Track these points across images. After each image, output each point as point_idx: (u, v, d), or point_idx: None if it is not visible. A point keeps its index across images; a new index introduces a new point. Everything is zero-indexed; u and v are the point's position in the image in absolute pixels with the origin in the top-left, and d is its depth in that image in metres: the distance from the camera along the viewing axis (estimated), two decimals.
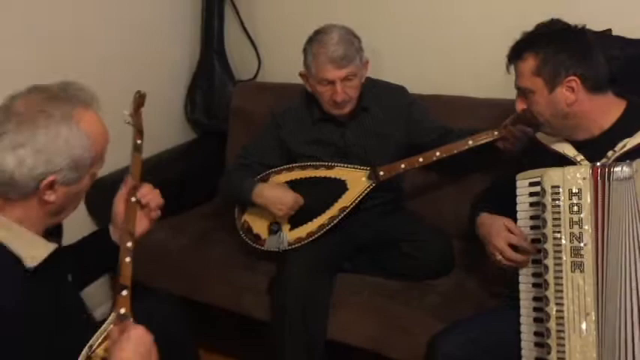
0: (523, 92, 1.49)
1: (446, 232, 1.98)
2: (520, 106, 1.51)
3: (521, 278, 1.48)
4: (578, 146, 1.48)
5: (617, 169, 1.32)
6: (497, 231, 1.51)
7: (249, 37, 2.64)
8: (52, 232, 1.24)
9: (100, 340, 1.22)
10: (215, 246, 2.13)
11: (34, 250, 1.14)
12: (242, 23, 2.64)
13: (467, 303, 1.73)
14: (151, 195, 1.43)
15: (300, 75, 1.96)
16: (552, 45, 1.44)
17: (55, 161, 1.12)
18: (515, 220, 1.51)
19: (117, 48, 2.34)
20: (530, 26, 1.82)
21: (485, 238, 1.55)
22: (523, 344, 1.46)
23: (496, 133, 1.83)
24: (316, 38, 1.88)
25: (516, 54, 1.48)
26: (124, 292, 1.28)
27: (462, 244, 1.97)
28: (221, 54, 2.65)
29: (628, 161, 1.34)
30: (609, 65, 1.61)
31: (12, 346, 1.05)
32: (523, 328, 1.46)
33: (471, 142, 1.86)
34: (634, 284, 1.28)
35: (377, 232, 1.97)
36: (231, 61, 2.68)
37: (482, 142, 1.85)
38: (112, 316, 1.26)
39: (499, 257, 1.50)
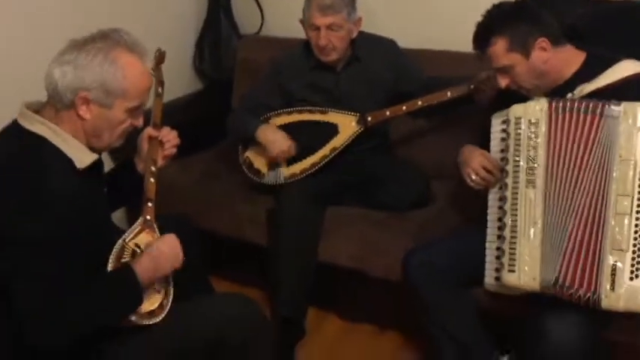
0: (503, 70, 1.68)
1: (425, 173, 2.23)
2: (504, 82, 1.69)
3: (490, 200, 1.72)
4: (546, 94, 1.68)
5: (613, 106, 1.48)
6: (474, 156, 1.74)
7: None
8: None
9: (132, 235, 1.49)
10: (220, 182, 2.38)
11: (82, 156, 1.38)
12: None
13: (439, 230, 1.98)
14: (170, 135, 1.67)
15: (300, 22, 2.17)
16: (511, 22, 1.63)
17: (87, 79, 1.34)
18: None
19: (130, 3, 2.55)
20: None
21: (463, 161, 1.77)
22: (487, 257, 1.70)
23: (472, 86, 2.03)
24: None
25: (484, 43, 1.67)
26: (150, 204, 1.56)
27: (438, 183, 2.22)
28: (227, 9, 2.84)
29: (617, 101, 1.50)
30: (571, 20, 1.85)
31: (69, 224, 1.29)
32: (488, 244, 1.70)
33: (449, 94, 2.08)
34: (582, 201, 1.52)
35: (365, 171, 2.21)
36: (237, 16, 2.87)
37: (459, 93, 2.06)
38: (140, 219, 1.53)
39: (474, 176, 1.72)
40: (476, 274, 1.73)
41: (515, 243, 1.60)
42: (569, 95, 1.63)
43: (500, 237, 1.65)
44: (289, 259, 2.06)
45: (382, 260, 1.98)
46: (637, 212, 1.45)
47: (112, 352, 1.40)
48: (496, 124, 1.71)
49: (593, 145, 1.51)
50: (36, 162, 1.32)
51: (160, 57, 1.81)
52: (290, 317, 2.09)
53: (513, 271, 1.59)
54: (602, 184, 1.49)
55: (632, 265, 1.44)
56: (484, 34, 1.67)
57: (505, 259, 1.61)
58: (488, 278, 1.71)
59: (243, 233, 2.25)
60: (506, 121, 1.66)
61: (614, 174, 1.47)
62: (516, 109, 1.63)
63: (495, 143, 1.72)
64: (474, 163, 1.73)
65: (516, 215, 1.60)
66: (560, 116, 1.56)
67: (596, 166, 1.50)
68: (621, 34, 2.07)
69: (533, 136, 1.59)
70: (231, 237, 2.29)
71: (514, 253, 1.59)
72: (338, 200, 2.19)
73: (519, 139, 1.61)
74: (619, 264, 1.45)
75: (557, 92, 1.66)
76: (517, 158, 1.62)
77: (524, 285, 1.58)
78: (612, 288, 1.45)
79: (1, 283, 1.29)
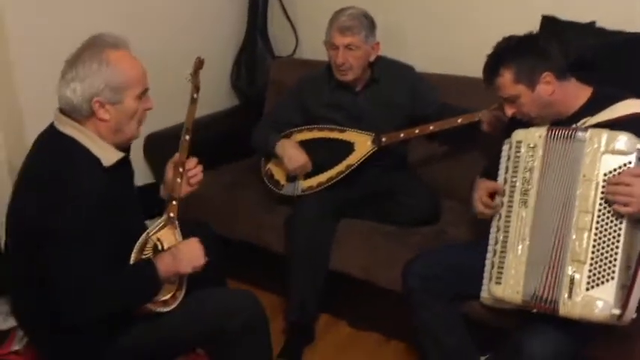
0: (509, 100, 1.77)
1: (436, 191, 2.34)
2: (510, 111, 1.79)
3: (492, 219, 1.81)
4: (551, 124, 1.77)
5: (579, 133, 1.62)
6: (479, 187, 1.86)
7: (289, 19, 3.03)
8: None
9: (155, 230, 1.66)
10: (244, 192, 2.54)
11: (108, 154, 1.55)
12: (283, 6, 3.04)
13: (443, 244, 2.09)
14: (195, 170, 1.82)
15: (324, 43, 2.32)
16: (519, 55, 1.72)
17: (94, 85, 1.49)
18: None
19: (177, 25, 2.79)
20: (532, 14, 2.18)
21: (472, 192, 1.88)
22: (485, 272, 1.79)
23: (480, 115, 2.14)
24: (336, 12, 2.27)
25: (492, 73, 1.76)
26: (174, 202, 1.74)
27: (448, 202, 2.33)
28: (263, 33, 3.05)
29: (585, 127, 1.64)
30: (584, 52, 1.96)
31: (97, 218, 1.46)
32: (487, 260, 1.79)
33: (459, 121, 2.19)
34: (558, 220, 1.62)
35: (378, 186, 2.34)
36: (273, 40, 3.08)
37: (470, 120, 2.17)
38: (164, 216, 1.71)
39: (480, 206, 1.82)
40: (472, 288, 1.82)
41: (504, 257, 1.70)
42: (573, 126, 1.71)
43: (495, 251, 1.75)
44: (300, 267, 2.20)
45: (388, 272, 2.08)
46: (596, 228, 1.55)
47: (126, 332, 1.57)
48: (505, 150, 1.82)
49: (565, 165, 1.63)
50: (67, 161, 1.50)
51: (199, 64, 1.95)
52: (298, 322, 2.22)
53: (499, 283, 1.69)
54: (569, 201, 1.60)
55: (589, 277, 1.54)
56: (492, 65, 1.77)
57: (494, 271, 1.72)
58: (484, 292, 1.80)
59: (263, 240, 2.41)
60: (509, 144, 1.76)
61: (578, 192, 1.58)
62: (519, 134, 1.74)
63: (502, 166, 1.82)
64: (479, 192, 1.83)
65: (508, 231, 1.71)
66: (553, 143, 1.66)
67: (566, 185, 1.62)
68: (632, 66, 2.14)
69: (530, 159, 1.70)
70: (254, 244, 2.44)
71: (502, 267, 1.70)
72: (352, 213, 2.31)
73: (518, 162, 1.72)
74: (577, 275, 1.55)
75: (562, 124, 1.74)
76: (514, 179, 1.73)
77: (507, 297, 1.67)
78: (570, 296, 1.55)
79: (39, 272, 1.47)
